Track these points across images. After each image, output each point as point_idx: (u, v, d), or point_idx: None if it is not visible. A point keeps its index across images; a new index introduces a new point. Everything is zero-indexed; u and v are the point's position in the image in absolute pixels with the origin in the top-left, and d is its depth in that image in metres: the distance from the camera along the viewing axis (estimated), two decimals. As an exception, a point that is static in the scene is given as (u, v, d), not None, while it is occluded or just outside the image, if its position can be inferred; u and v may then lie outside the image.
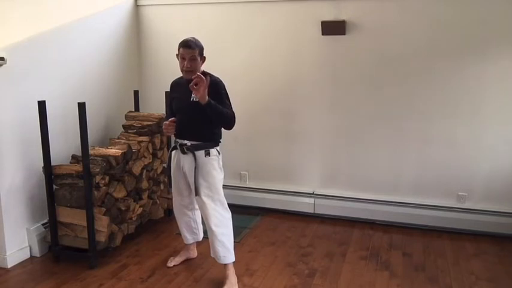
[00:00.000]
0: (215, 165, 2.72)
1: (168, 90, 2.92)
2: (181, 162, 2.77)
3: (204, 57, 2.68)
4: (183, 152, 2.72)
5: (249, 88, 3.96)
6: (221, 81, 2.68)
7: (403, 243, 3.45)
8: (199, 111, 2.56)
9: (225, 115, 2.59)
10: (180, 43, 2.62)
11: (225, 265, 2.78)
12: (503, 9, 3.28)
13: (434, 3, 3.41)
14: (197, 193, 2.70)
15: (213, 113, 2.55)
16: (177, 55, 2.67)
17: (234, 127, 2.66)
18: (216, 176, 2.72)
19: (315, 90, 3.83)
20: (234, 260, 2.79)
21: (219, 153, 2.76)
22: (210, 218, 2.70)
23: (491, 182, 3.52)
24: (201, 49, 2.64)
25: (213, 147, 2.71)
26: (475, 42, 3.38)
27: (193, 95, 2.59)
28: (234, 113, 2.65)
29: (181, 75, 2.73)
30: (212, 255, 2.79)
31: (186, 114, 2.68)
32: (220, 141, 2.78)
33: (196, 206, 2.95)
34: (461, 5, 3.36)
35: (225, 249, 2.73)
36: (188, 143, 2.69)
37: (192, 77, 2.46)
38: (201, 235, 3.13)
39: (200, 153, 2.68)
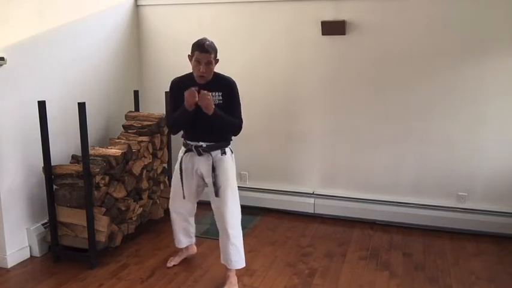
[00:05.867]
0: (231, 164, 2.72)
1: (167, 90, 2.91)
2: (195, 165, 2.73)
3: (218, 59, 2.63)
4: (199, 154, 2.68)
5: (248, 88, 3.93)
6: (235, 82, 2.67)
7: (403, 243, 3.45)
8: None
9: (230, 125, 2.62)
10: (196, 46, 2.54)
11: (231, 270, 2.74)
12: (503, 10, 3.28)
13: (434, 3, 3.41)
14: (217, 194, 2.66)
15: (220, 122, 2.57)
16: (189, 56, 2.60)
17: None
18: (233, 176, 2.72)
19: (315, 90, 3.83)
20: (244, 265, 2.76)
21: (232, 152, 2.75)
22: (227, 220, 2.66)
23: (491, 182, 3.52)
24: (216, 52, 2.59)
25: (227, 146, 2.71)
26: (475, 43, 3.37)
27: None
28: (241, 122, 2.65)
29: (182, 74, 2.73)
30: (222, 260, 2.75)
31: (198, 116, 2.59)
32: (231, 140, 2.77)
33: (194, 213, 2.97)
34: (462, 5, 3.35)
35: (238, 253, 2.70)
36: (204, 144, 2.67)
37: (195, 101, 2.48)
38: (194, 238, 3.12)
39: (216, 153, 2.67)
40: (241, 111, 2.69)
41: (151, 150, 3.55)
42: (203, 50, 2.51)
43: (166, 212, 3.85)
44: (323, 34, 3.69)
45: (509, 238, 3.48)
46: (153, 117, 3.66)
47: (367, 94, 3.70)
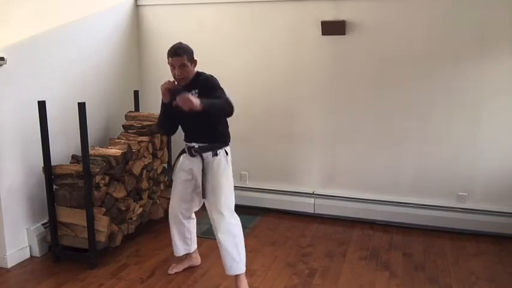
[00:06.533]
0: (222, 167, 2.66)
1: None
2: (190, 165, 2.74)
3: (195, 60, 2.62)
4: (192, 155, 2.69)
5: (249, 88, 3.96)
6: (212, 76, 2.64)
7: (403, 243, 3.45)
8: (203, 115, 2.49)
9: (220, 107, 2.48)
10: (168, 52, 2.57)
11: (236, 276, 2.66)
12: (503, 10, 3.28)
13: (434, 3, 3.41)
14: (204, 196, 2.67)
15: (214, 111, 2.48)
16: (168, 63, 2.62)
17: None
18: (226, 178, 2.67)
19: (315, 90, 3.83)
20: (243, 271, 2.66)
21: (227, 154, 2.70)
22: (215, 224, 2.65)
23: (491, 182, 3.52)
24: (190, 54, 2.59)
25: (221, 148, 2.67)
26: (476, 43, 3.37)
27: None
28: (227, 99, 2.51)
29: None
30: (223, 263, 2.71)
31: (190, 119, 2.61)
32: (229, 142, 2.74)
33: (193, 216, 2.93)
34: (462, 6, 3.35)
35: (231, 258, 2.63)
36: (196, 145, 2.67)
37: (177, 104, 2.42)
38: (194, 247, 3.01)
39: (207, 155, 2.65)
40: (225, 94, 2.56)
41: (151, 150, 3.55)
42: (174, 54, 2.55)
43: (167, 212, 3.83)
44: (323, 34, 3.69)
45: (509, 238, 3.48)
46: (153, 117, 3.66)
47: (367, 94, 3.70)
